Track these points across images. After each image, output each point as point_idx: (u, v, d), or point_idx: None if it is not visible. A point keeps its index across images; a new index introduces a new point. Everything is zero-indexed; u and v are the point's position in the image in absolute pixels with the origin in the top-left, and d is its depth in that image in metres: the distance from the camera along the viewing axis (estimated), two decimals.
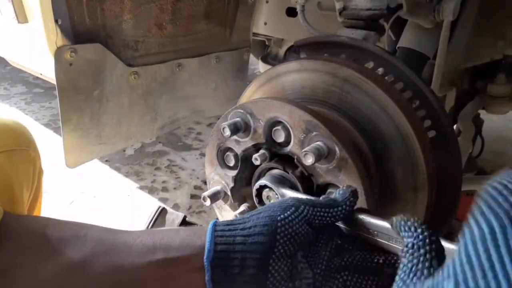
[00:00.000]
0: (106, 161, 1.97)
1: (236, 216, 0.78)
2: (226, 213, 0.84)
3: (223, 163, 0.82)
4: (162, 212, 1.38)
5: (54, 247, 0.52)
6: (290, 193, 0.67)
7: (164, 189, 1.77)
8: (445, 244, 0.41)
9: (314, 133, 0.67)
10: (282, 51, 2.05)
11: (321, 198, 0.57)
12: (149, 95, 1.31)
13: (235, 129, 0.74)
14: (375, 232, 0.52)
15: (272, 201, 0.71)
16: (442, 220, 0.82)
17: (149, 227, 1.33)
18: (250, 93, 0.91)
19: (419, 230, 0.40)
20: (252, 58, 1.75)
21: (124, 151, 2.06)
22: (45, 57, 1.07)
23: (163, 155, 2.06)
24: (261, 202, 0.73)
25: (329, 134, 0.66)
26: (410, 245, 0.40)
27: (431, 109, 0.80)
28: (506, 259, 0.23)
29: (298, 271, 0.50)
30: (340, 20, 0.96)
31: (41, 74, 1.37)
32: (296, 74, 0.81)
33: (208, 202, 0.79)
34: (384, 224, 0.51)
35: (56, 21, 1.03)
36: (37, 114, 2.54)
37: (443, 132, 0.80)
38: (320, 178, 0.69)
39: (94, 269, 0.51)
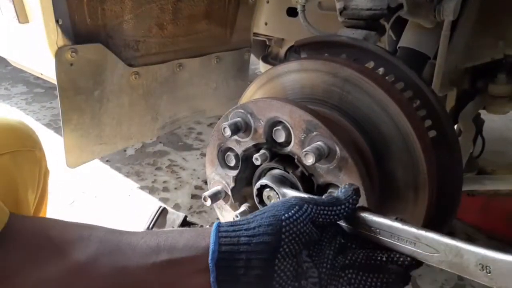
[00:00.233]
0: (107, 161, 1.97)
1: (236, 216, 0.78)
2: (226, 213, 0.84)
3: (224, 163, 0.82)
4: (163, 212, 1.38)
5: (58, 248, 0.53)
6: (291, 193, 0.68)
7: (165, 189, 1.77)
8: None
9: (315, 133, 0.67)
10: (282, 51, 2.05)
11: (323, 197, 0.58)
12: (150, 95, 1.32)
13: (236, 129, 0.74)
14: (377, 230, 0.52)
15: (273, 201, 0.71)
16: (442, 220, 0.82)
17: (150, 227, 1.34)
18: (251, 93, 0.91)
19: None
20: (252, 58, 1.75)
21: (125, 151, 2.06)
22: (45, 57, 1.07)
23: (163, 155, 2.07)
24: (261, 202, 0.73)
25: (330, 134, 0.66)
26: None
27: (432, 109, 0.80)
28: None
29: (304, 271, 0.50)
30: (341, 20, 0.96)
31: (41, 74, 1.37)
32: (296, 74, 0.81)
33: (208, 202, 0.79)
34: (386, 221, 0.51)
35: (56, 21, 1.03)
36: (37, 114, 2.54)
37: (443, 132, 0.80)
38: (320, 178, 0.69)
39: (98, 270, 0.52)
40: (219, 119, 0.79)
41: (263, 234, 0.50)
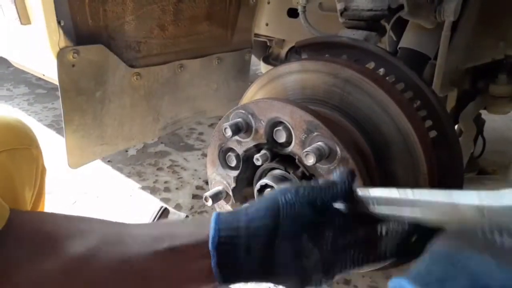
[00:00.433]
0: (109, 161, 1.97)
1: None
2: None
3: (225, 164, 0.82)
4: (164, 212, 1.38)
5: (59, 241, 0.53)
6: None
7: (166, 189, 1.77)
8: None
9: (315, 133, 0.68)
10: (283, 52, 2.06)
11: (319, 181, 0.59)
12: (151, 96, 1.32)
13: (237, 129, 0.75)
14: (375, 205, 0.52)
15: None
16: None
17: None
18: (252, 94, 0.91)
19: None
20: (253, 59, 1.75)
21: (126, 151, 2.06)
22: (47, 58, 1.07)
23: (165, 155, 2.07)
24: None
25: (330, 135, 0.66)
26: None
27: (432, 109, 0.80)
28: None
29: (305, 251, 0.51)
30: (341, 21, 0.96)
31: (43, 75, 1.37)
32: (297, 74, 0.81)
33: (209, 202, 0.79)
34: (381, 192, 0.51)
35: (58, 22, 1.03)
36: (39, 115, 2.55)
37: (444, 132, 0.81)
38: (321, 178, 0.69)
39: (100, 260, 0.52)
40: (220, 119, 0.80)
41: (261, 217, 0.51)
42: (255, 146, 0.76)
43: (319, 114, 0.70)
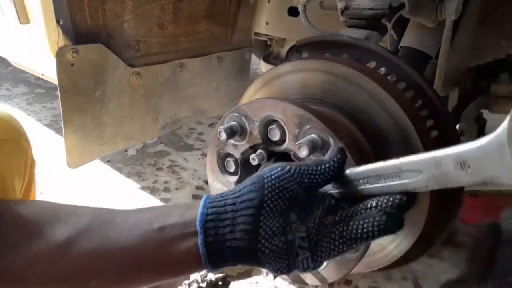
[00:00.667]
0: (108, 161, 1.96)
1: None
2: None
3: (224, 170, 0.81)
4: None
5: (45, 227, 0.54)
6: None
7: (166, 190, 1.76)
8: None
9: (308, 126, 0.67)
10: (284, 51, 2.05)
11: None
12: (151, 95, 1.31)
13: (231, 132, 0.75)
14: (365, 180, 0.51)
15: None
16: (445, 220, 0.81)
17: None
18: (252, 93, 0.91)
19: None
20: (253, 58, 1.75)
21: (126, 151, 2.05)
22: (46, 57, 1.07)
23: (164, 155, 2.06)
24: None
25: (323, 126, 0.66)
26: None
27: (434, 108, 0.80)
28: None
29: (291, 228, 0.50)
30: (342, 20, 0.96)
31: (42, 75, 1.37)
32: (297, 73, 0.81)
33: None
34: (369, 166, 0.51)
35: (57, 22, 1.03)
36: (38, 115, 2.54)
37: (445, 131, 0.80)
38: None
39: (85, 243, 0.52)
40: (220, 119, 0.79)
41: (247, 193, 0.52)
42: (251, 147, 0.76)
43: (310, 107, 0.70)
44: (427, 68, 1.05)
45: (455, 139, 0.81)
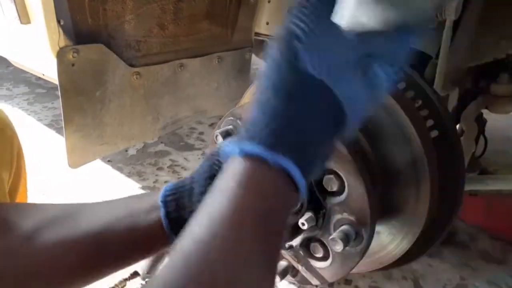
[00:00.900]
0: (109, 161, 1.97)
1: None
2: None
3: None
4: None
5: (9, 223, 0.53)
6: None
7: None
8: None
9: None
10: None
11: None
12: (151, 95, 1.31)
13: (228, 136, 0.75)
14: None
15: None
16: (444, 220, 0.81)
17: None
18: (252, 93, 0.91)
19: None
20: (254, 58, 1.75)
21: (127, 151, 2.06)
22: (47, 57, 1.07)
23: (165, 155, 2.06)
24: None
25: None
26: None
27: (434, 108, 0.80)
28: None
29: None
30: None
31: (43, 75, 1.37)
32: None
33: None
34: None
35: (58, 22, 1.03)
36: (39, 115, 2.54)
37: (445, 131, 0.80)
38: None
39: (48, 236, 0.53)
40: (220, 119, 0.79)
41: (201, 164, 0.56)
42: None
43: None
44: (427, 68, 1.05)
45: (455, 139, 0.82)
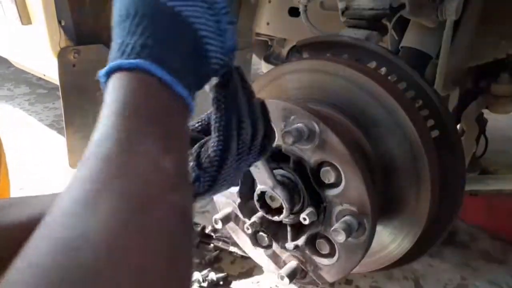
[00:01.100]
0: None
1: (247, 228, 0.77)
2: (241, 235, 0.83)
3: None
4: None
5: None
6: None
7: None
8: None
9: (292, 117, 0.68)
10: (284, 51, 2.05)
11: None
12: None
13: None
14: None
15: (275, 201, 0.71)
16: (445, 220, 0.81)
17: None
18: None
19: None
20: (254, 58, 1.75)
21: None
22: (48, 58, 1.07)
23: None
24: (264, 205, 0.73)
25: (306, 113, 0.66)
26: None
27: (434, 108, 0.80)
28: None
29: None
30: (343, 20, 0.96)
31: (44, 75, 1.37)
32: (298, 74, 0.81)
33: (220, 225, 0.79)
34: None
35: (59, 22, 1.03)
36: (40, 115, 2.55)
37: (446, 131, 0.80)
38: (310, 160, 0.69)
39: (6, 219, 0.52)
40: None
41: None
42: None
43: (291, 99, 0.70)
44: (427, 68, 1.05)
45: (455, 139, 0.82)
